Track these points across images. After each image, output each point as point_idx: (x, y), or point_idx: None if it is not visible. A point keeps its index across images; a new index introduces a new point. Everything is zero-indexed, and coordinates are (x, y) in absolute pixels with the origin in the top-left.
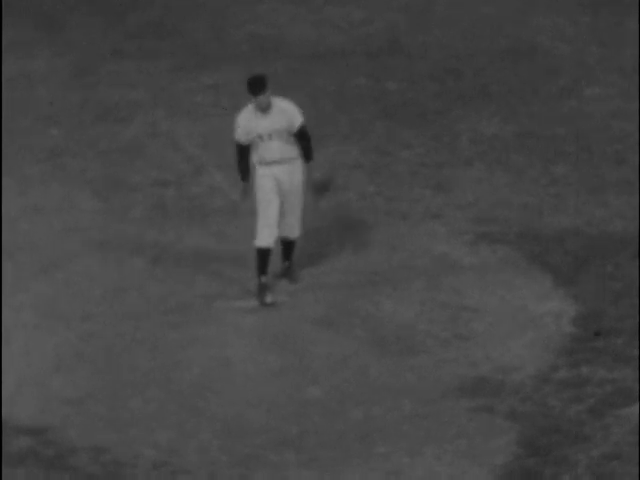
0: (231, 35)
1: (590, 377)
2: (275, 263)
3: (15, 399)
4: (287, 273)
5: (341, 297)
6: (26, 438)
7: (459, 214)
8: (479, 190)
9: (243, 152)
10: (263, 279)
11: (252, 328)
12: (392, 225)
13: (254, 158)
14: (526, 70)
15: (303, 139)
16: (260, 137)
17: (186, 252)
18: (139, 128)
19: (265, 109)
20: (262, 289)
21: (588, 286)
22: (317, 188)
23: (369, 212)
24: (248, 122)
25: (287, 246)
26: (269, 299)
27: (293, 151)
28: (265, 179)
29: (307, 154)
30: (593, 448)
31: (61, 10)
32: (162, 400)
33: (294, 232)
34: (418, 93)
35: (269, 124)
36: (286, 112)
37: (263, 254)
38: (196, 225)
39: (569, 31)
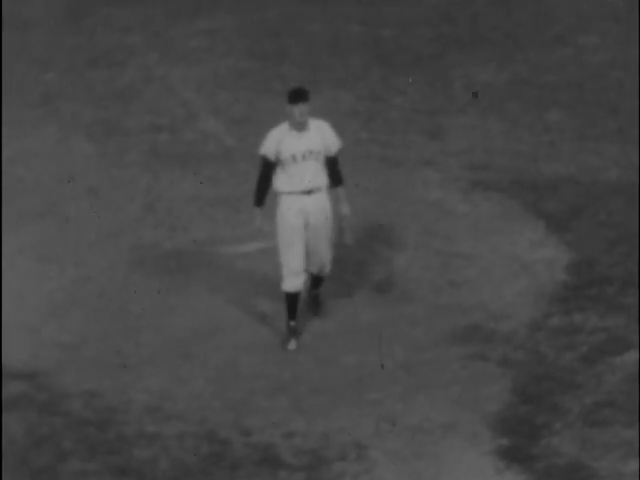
0: None
1: (583, 325)
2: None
3: (8, 344)
4: (314, 303)
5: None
6: (19, 383)
7: (453, 161)
8: (473, 137)
9: (267, 169)
10: (292, 323)
11: (244, 273)
12: (386, 172)
13: (280, 186)
14: (521, 16)
15: (336, 164)
16: (293, 158)
17: (180, 197)
18: (134, 73)
19: (301, 126)
20: (291, 333)
21: (581, 233)
22: (346, 226)
23: (363, 158)
24: (282, 139)
25: (317, 279)
26: (292, 346)
27: (324, 179)
28: (290, 214)
29: (340, 178)
30: (585, 395)
31: None
32: (155, 345)
33: (325, 269)
34: (412, 39)
35: (305, 143)
36: (324, 133)
37: (292, 298)
38: (190, 170)
39: None
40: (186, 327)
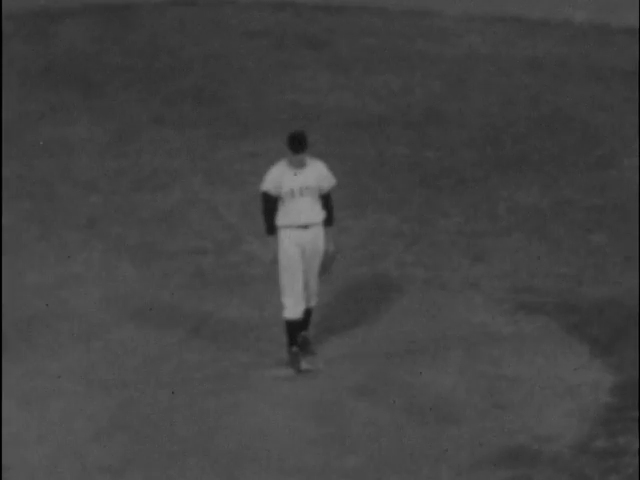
0: (271, 103)
1: (627, 447)
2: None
3: (53, 467)
4: (304, 344)
5: (379, 366)
6: None
7: (497, 283)
8: (517, 259)
9: (269, 204)
10: (294, 349)
11: (289, 396)
12: (430, 294)
13: (279, 220)
14: (564, 139)
15: (329, 202)
16: (291, 192)
17: (224, 320)
18: (178, 196)
19: (300, 165)
20: (295, 358)
21: (626, 356)
22: (329, 261)
23: (407, 281)
24: (281, 176)
25: (306, 313)
26: (304, 366)
27: (319, 215)
28: (289, 245)
29: (331, 217)
30: None
31: (101, 76)
32: (200, 469)
33: (313, 301)
34: (456, 161)
35: (302, 180)
36: (320, 171)
37: (293, 326)
38: (235, 293)
39: (607, 100)
40: (231, 450)
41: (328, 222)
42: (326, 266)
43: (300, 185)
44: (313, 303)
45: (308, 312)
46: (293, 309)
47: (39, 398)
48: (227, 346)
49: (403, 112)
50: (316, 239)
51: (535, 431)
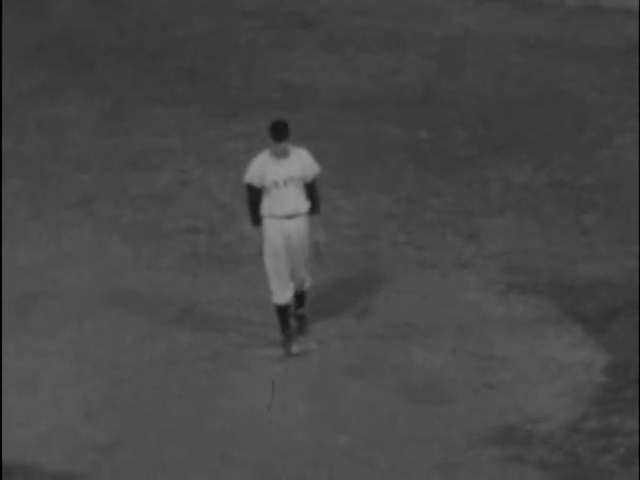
0: (263, 82)
1: (620, 427)
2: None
3: (44, 445)
4: (300, 322)
5: (371, 346)
6: None
7: (490, 263)
8: (510, 239)
9: (254, 195)
10: (287, 332)
11: (281, 376)
12: (423, 274)
13: (264, 210)
14: (557, 118)
15: (314, 190)
16: (275, 183)
17: (217, 300)
18: (171, 175)
19: (283, 155)
20: (287, 340)
21: (618, 336)
22: (318, 249)
23: (400, 261)
24: (264, 167)
25: (300, 296)
26: (295, 349)
27: (304, 205)
28: (274, 233)
29: (316, 205)
30: None
31: (93, 55)
32: (192, 447)
33: (306, 284)
34: (449, 141)
35: (285, 170)
36: (304, 160)
37: (283, 311)
38: (227, 273)
39: (599, 80)
40: (223, 429)
41: (314, 210)
42: (316, 255)
43: (284, 176)
44: (306, 286)
45: (302, 294)
46: (281, 295)
47: (30, 377)
48: (219, 326)
49: (395, 92)
50: (301, 229)
51: (527, 411)
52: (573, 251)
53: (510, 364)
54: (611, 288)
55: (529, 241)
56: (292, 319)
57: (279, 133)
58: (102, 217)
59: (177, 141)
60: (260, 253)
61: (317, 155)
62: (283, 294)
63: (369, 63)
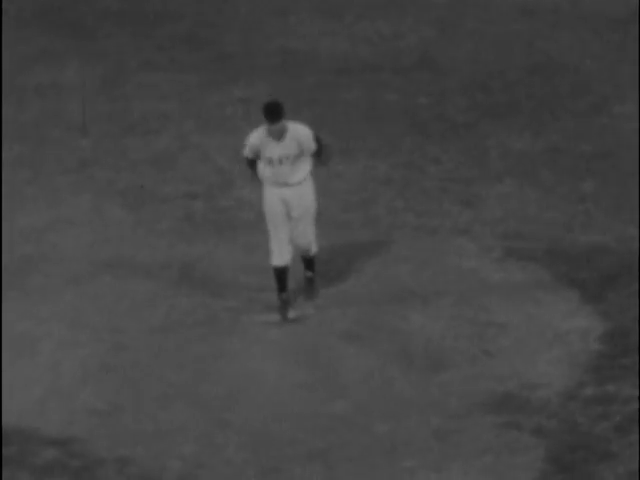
0: (262, 48)
1: (617, 394)
2: (296, 273)
3: (42, 410)
4: (308, 285)
5: (368, 312)
6: (53, 450)
7: (488, 230)
8: (508, 206)
9: (252, 164)
10: (284, 296)
11: (279, 342)
12: (421, 240)
13: (263, 175)
14: (556, 86)
15: (319, 156)
16: (270, 161)
17: (215, 265)
18: (169, 140)
19: (279, 135)
20: (283, 305)
21: (615, 303)
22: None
23: (398, 227)
24: (259, 144)
25: (308, 261)
26: (292, 314)
27: (302, 173)
28: (273, 198)
29: (324, 158)
30: (619, 465)
31: (92, 20)
32: (189, 412)
33: (311, 251)
34: (447, 107)
35: (280, 150)
36: (300, 139)
37: (280, 272)
38: (225, 238)
39: (598, 48)
40: (220, 394)
41: (324, 160)
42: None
43: (279, 154)
44: (313, 252)
45: (310, 260)
46: (279, 256)
47: (29, 341)
48: (217, 291)
49: (394, 58)
50: (301, 196)
51: (524, 378)
52: (571, 218)
53: (508, 331)
54: (608, 256)
55: (527, 208)
56: (301, 281)
57: (273, 114)
58: (100, 182)
59: (176, 106)
60: (253, 180)
61: (316, 121)
62: (281, 256)
63: (368, 29)
